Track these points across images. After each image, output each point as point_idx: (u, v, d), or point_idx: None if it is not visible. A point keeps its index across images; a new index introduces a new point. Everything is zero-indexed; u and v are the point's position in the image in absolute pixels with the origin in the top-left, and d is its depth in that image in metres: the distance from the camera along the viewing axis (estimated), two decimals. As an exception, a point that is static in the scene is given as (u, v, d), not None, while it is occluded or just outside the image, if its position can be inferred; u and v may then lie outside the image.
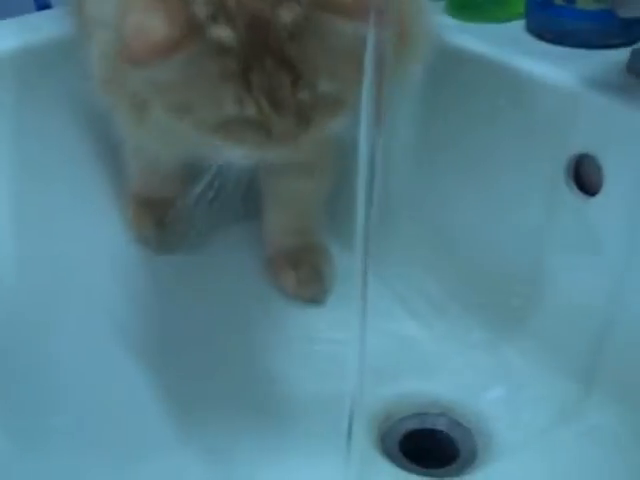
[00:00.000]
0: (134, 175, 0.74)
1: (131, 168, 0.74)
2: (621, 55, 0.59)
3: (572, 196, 0.60)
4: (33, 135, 0.71)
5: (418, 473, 0.59)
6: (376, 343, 0.64)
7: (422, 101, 0.68)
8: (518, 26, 0.66)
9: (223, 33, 0.44)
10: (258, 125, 0.48)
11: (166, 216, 0.74)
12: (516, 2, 0.67)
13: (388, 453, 0.61)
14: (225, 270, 0.74)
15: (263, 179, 0.69)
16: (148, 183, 0.74)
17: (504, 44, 0.64)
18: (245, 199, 0.69)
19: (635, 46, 0.58)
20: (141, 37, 0.43)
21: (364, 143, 0.39)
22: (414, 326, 0.70)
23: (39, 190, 0.71)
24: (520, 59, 0.62)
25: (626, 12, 0.51)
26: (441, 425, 0.63)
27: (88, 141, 0.74)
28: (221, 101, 0.46)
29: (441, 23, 0.68)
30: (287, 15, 0.44)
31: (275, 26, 0.44)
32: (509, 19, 0.67)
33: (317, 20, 0.45)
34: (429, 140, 0.69)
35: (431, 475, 0.59)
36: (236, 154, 0.52)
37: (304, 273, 0.71)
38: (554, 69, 0.60)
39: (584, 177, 0.60)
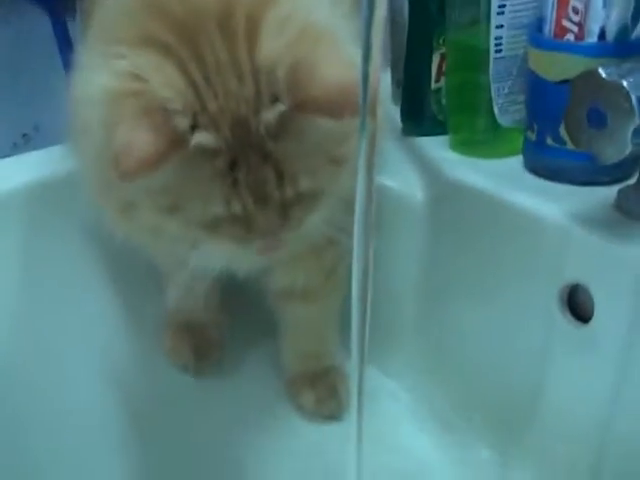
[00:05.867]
0: (171, 299, 0.76)
1: (168, 292, 0.76)
2: (609, 192, 0.63)
3: (567, 322, 0.63)
4: (58, 269, 0.73)
5: None
6: (384, 457, 0.68)
7: (427, 230, 0.72)
8: (516, 162, 0.71)
9: (205, 139, 0.46)
10: (242, 221, 0.50)
11: (204, 343, 0.77)
12: (515, 139, 0.71)
13: None
14: (248, 389, 0.78)
15: (274, 306, 0.73)
16: (185, 307, 0.77)
17: (502, 179, 0.68)
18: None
19: (621, 185, 0.63)
20: (129, 153, 0.44)
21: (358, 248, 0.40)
22: (420, 439, 0.73)
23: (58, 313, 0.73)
24: (516, 194, 0.66)
25: (606, 159, 0.56)
26: None
27: (114, 269, 0.76)
28: (209, 200, 0.49)
29: (445, 157, 0.73)
30: (269, 117, 0.46)
31: (257, 127, 0.47)
32: (509, 155, 0.72)
33: (297, 119, 0.47)
34: (433, 267, 0.73)
35: None
36: (223, 249, 0.54)
37: (321, 392, 0.76)
38: (547, 204, 0.64)
39: (578, 305, 0.64)
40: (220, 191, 0.48)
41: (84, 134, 0.50)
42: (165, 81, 0.46)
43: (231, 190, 0.48)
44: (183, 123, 0.46)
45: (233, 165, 0.47)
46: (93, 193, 0.55)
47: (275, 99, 0.47)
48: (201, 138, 0.46)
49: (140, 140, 0.44)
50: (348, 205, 0.54)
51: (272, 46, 0.47)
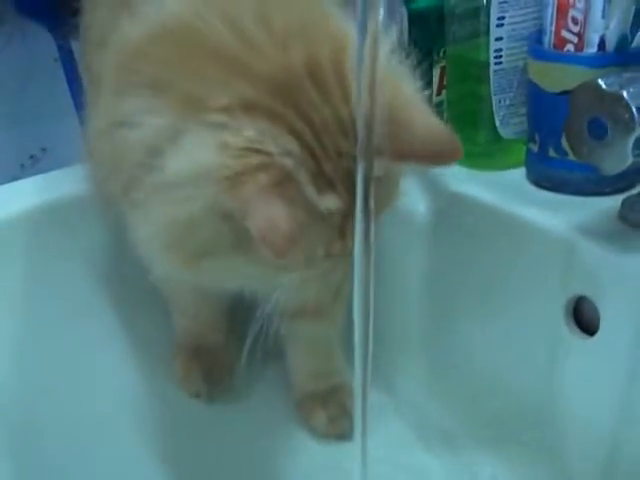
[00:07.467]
0: (178, 326, 0.77)
1: (175, 319, 0.76)
2: (613, 203, 0.62)
3: (573, 335, 0.63)
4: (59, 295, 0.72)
5: None
6: (391, 476, 0.67)
7: (430, 244, 0.72)
8: (519, 174, 0.70)
9: (332, 203, 0.45)
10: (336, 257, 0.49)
11: (215, 369, 0.76)
12: (517, 151, 0.71)
13: None
14: (258, 411, 0.77)
15: (282, 326, 0.72)
16: (193, 332, 0.77)
17: (505, 191, 0.68)
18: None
19: (626, 195, 0.62)
20: (275, 231, 0.42)
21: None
22: (427, 458, 0.72)
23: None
24: (519, 206, 0.66)
25: (607, 170, 0.55)
26: None
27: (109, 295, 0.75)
28: (312, 247, 0.48)
29: (447, 170, 0.73)
30: (377, 172, 0.44)
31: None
32: (511, 167, 0.71)
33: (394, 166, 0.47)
34: (437, 281, 0.73)
35: None
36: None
37: (333, 412, 0.74)
38: (550, 216, 0.63)
39: (584, 317, 0.63)
40: (325, 241, 0.48)
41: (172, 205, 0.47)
42: (285, 150, 0.44)
43: (337, 239, 0.48)
44: (311, 190, 0.45)
45: (345, 219, 0.47)
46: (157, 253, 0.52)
47: (379, 152, 0.45)
48: (328, 203, 0.45)
49: (280, 215, 0.42)
50: None
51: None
